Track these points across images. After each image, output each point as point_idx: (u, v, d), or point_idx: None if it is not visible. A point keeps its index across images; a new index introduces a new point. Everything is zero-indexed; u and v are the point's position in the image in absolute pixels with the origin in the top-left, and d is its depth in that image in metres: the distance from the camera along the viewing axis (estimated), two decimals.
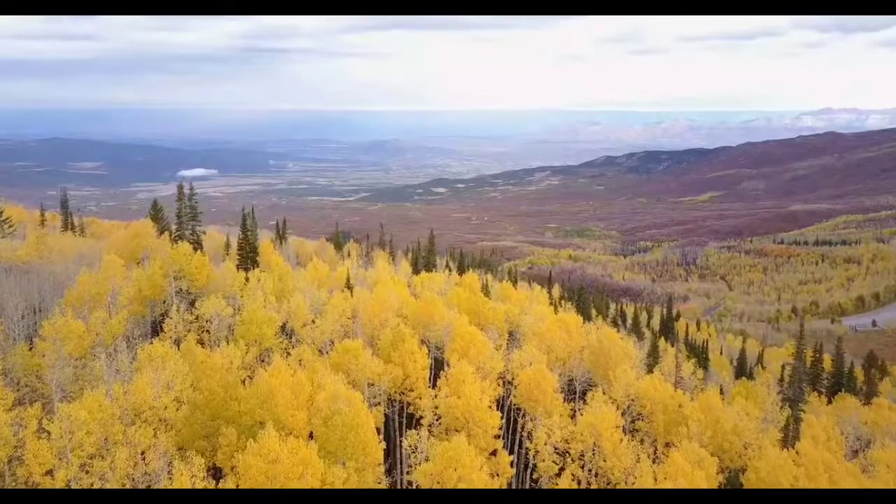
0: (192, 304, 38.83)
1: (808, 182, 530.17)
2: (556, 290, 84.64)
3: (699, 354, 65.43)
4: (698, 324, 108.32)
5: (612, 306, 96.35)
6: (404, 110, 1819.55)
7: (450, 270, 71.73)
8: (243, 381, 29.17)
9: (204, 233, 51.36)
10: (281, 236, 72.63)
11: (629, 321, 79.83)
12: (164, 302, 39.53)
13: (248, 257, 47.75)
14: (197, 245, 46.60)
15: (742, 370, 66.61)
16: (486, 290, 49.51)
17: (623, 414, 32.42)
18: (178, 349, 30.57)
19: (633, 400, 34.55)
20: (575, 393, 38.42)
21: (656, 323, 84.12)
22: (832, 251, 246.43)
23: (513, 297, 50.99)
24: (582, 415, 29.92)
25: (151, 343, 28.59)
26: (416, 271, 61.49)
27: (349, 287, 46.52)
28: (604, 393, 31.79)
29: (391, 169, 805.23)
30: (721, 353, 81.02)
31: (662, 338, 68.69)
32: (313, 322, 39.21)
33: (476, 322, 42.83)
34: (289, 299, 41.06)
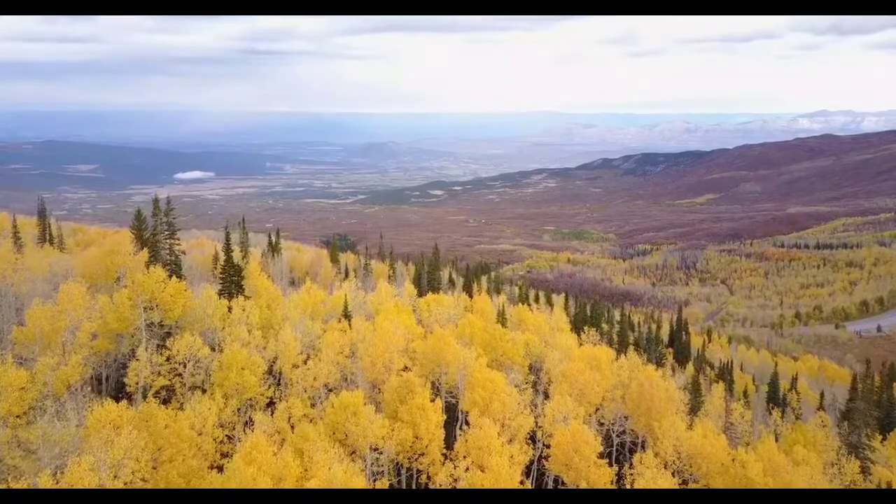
0: (166, 338, 33.68)
1: (805, 184, 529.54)
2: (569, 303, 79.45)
3: (725, 377, 61.13)
4: (709, 334, 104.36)
5: (617, 314, 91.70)
6: (401, 112, 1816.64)
7: (453, 284, 67.12)
8: (221, 441, 24.74)
9: (183, 252, 44.62)
10: (273, 248, 67.02)
11: (637, 330, 75.24)
12: (134, 336, 34.16)
13: (232, 281, 41.07)
14: (175, 267, 41.13)
15: (775, 396, 61.22)
16: (501, 316, 43.54)
17: (673, 474, 27.57)
18: (143, 402, 25.83)
19: (682, 458, 29.72)
20: (612, 445, 33.52)
21: (664, 334, 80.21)
22: (833, 255, 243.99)
23: (530, 323, 45.57)
24: (632, 486, 25.02)
25: (103, 403, 23.63)
26: (420, 291, 56.51)
27: (347, 316, 40.86)
28: (655, 454, 27.29)
29: (388, 171, 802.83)
30: (741, 370, 76.09)
31: (693, 366, 63.36)
32: (305, 363, 34.12)
33: (493, 358, 38.00)
34: (277, 333, 35.88)
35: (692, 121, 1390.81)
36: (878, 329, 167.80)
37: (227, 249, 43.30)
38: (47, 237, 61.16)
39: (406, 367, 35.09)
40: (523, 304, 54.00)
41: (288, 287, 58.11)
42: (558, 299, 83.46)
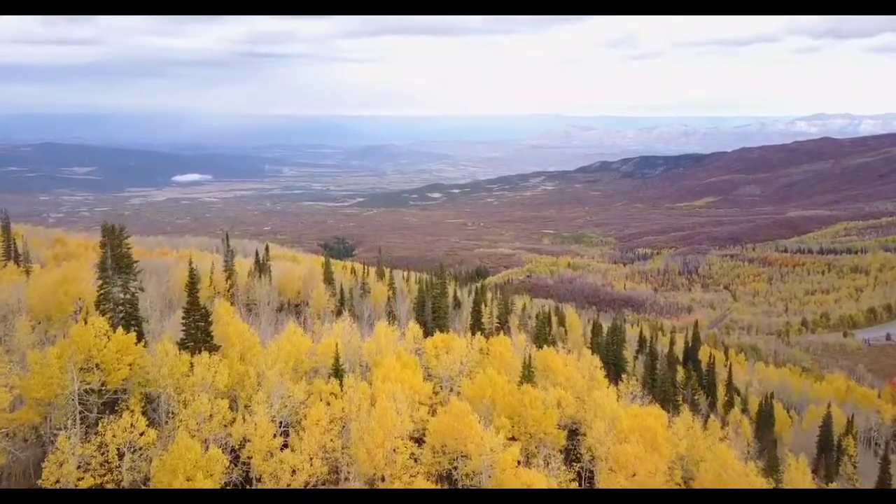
0: (108, 408, 26.51)
1: (804, 187, 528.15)
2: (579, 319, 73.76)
3: (765, 416, 56.26)
4: (726, 351, 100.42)
5: (630, 329, 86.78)
6: (399, 115, 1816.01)
7: (459, 304, 62.53)
8: None
9: (141, 289, 35.86)
10: (261, 268, 59.44)
11: (649, 346, 70.25)
12: (67, 405, 26.44)
13: (198, 328, 32.35)
14: (130, 308, 32.77)
15: (828, 440, 52.68)
16: (527, 367, 34.93)
17: None
18: None
19: None
20: None
21: (679, 349, 76.42)
22: (838, 260, 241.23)
23: (559, 372, 38.49)
24: None
25: None
26: (424, 322, 49.66)
27: (338, 374, 32.49)
28: None
29: (386, 174, 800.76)
30: (773, 399, 68.94)
31: (732, 406, 57.95)
32: (283, 447, 26.82)
33: (520, 431, 31.39)
34: (250, 396, 28.20)
35: (690, 124, 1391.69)
36: (888, 337, 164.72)
37: (192, 287, 33.61)
38: (13, 254, 53.64)
39: (413, 455, 27.57)
40: (543, 338, 48.32)
41: (275, 315, 52.38)
42: (568, 311, 79.14)
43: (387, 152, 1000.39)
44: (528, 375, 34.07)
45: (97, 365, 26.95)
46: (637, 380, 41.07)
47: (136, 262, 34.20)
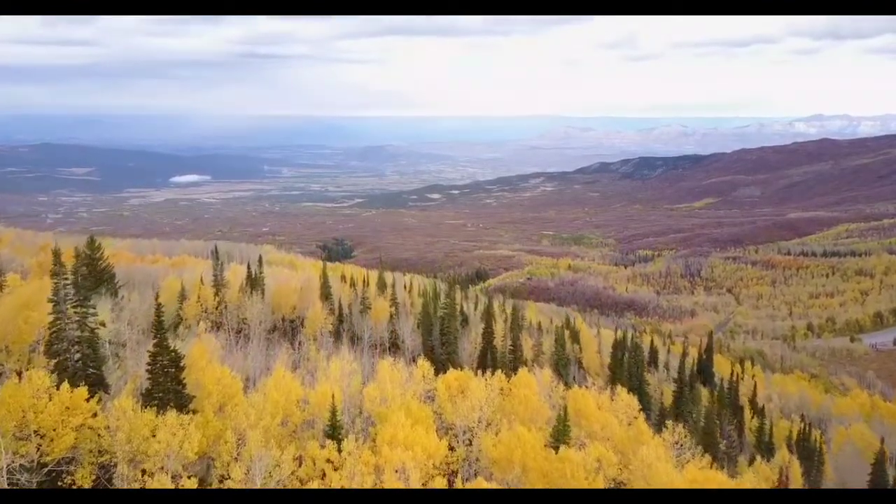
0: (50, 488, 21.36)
1: (804, 188, 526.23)
2: (607, 336, 68.53)
3: (809, 453, 52.57)
4: (742, 363, 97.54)
5: (647, 342, 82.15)
6: (399, 116, 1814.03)
7: (466, 321, 58.84)
8: None
9: (103, 325, 29.59)
10: (253, 281, 54.63)
11: (678, 374, 63.46)
12: None
13: (166, 374, 26.38)
14: (88, 348, 27.12)
15: (882, 485, 46.35)
16: (562, 422, 29.63)
17: None
18: None
19: None
20: None
21: (690, 362, 73.12)
22: (842, 263, 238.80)
23: (592, 416, 33.63)
24: None
25: None
26: (432, 348, 45.11)
27: (335, 435, 26.56)
28: None
29: (385, 175, 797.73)
30: (810, 427, 63.15)
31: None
32: None
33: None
34: (228, 466, 23.14)
35: (688, 124, 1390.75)
36: (895, 342, 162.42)
37: (159, 325, 27.62)
38: None
39: None
40: (563, 365, 44.91)
41: (267, 338, 48.15)
42: (581, 327, 74.91)
43: (386, 153, 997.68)
44: (563, 431, 28.81)
45: (34, 432, 21.12)
46: (669, 412, 37.55)
47: (102, 286, 29.31)
